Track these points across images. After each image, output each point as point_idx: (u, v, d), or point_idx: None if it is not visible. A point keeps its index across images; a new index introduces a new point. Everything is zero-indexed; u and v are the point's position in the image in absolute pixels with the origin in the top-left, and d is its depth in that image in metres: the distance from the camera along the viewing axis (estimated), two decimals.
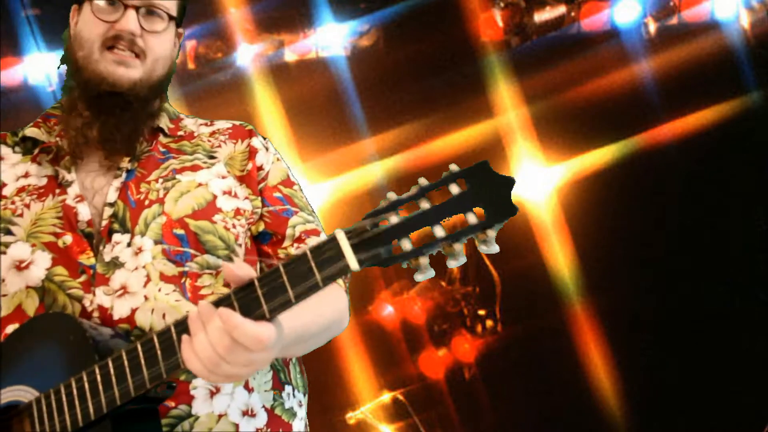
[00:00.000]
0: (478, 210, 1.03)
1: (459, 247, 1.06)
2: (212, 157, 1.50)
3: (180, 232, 1.39)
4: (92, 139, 1.45)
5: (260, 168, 1.51)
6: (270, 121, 3.94)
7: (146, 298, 1.34)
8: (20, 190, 1.43)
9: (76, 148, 1.45)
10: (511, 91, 4.20)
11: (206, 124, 1.58)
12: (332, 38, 4.05)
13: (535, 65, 4.17)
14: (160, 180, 1.44)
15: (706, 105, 4.17)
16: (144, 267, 1.36)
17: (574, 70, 4.18)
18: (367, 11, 4.09)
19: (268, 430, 1.38)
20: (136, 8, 1.44)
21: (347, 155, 4.13)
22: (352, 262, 1.03)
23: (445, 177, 1.06)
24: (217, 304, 1.10)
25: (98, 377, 1.17)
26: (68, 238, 1.38)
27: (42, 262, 1.36)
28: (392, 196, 1.05)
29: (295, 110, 3.97)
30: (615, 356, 4.18)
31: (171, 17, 1.48)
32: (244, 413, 1.35)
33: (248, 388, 1.37)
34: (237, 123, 1.59)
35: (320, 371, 3.96)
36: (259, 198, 1.49)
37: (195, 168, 1.47)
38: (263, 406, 1.38)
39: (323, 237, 1.38)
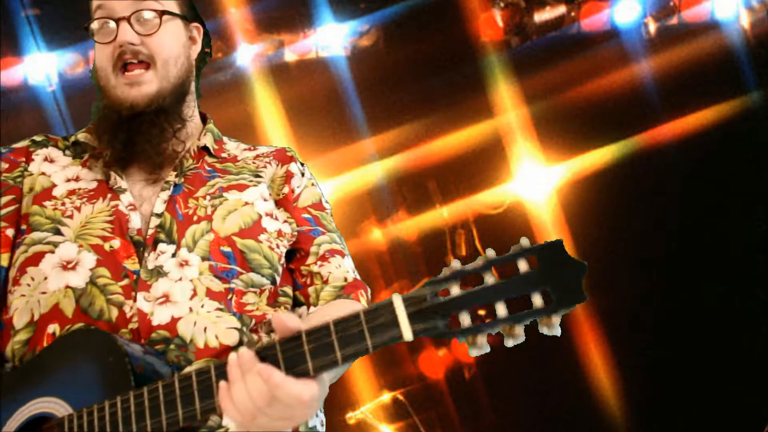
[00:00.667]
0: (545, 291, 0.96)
1: (520, 329, 1.01)
2: (258, 176, 1.54)
3: (227, 249, 1.41)
4: (133, 158, 1.49)
5: (293, 191, 1.56)
6: (270, 121, 3.94)
7: (190, 309, 1.36)
8: (71, 192, 1.46)
9: (124, 163, 1.49)
10: (511, 91, 4.20)
11: (249, 149, 1.62)
12: (332, 38, 4.05)
13: (535, 65, 4.17)
14: (208, 197, 1.47)
15: (706, 105, 4.17)
16: (190, 281, 1.37)
17: (574, 70, 4.18)
18: (367, 11, 4.09)
19: None
20: (126, 18, 1.46)
21: (347, 155, 4.13)
22: (407, 332, 1.02)
23: (515, 252, 0.99)
24: (261, 353, 1.08)
25: (132, 407, 1.17)
26: (116, 243, 1.40)
27: (87, 263, 1.38)
28: (456, 265, 1.00)
29: (295, 110, 3.97)
30: (615, 356, 4.18)
31: (162, 13, 1.49)
32: None
33: None
34: (280, 147, 1.65)
35: None
36: (295, 221, 1.52)
37: (241, 187, 1.50)
38: None
39: (348, 260, 1.46)
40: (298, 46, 4.05)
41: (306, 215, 1.54)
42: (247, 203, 1.47)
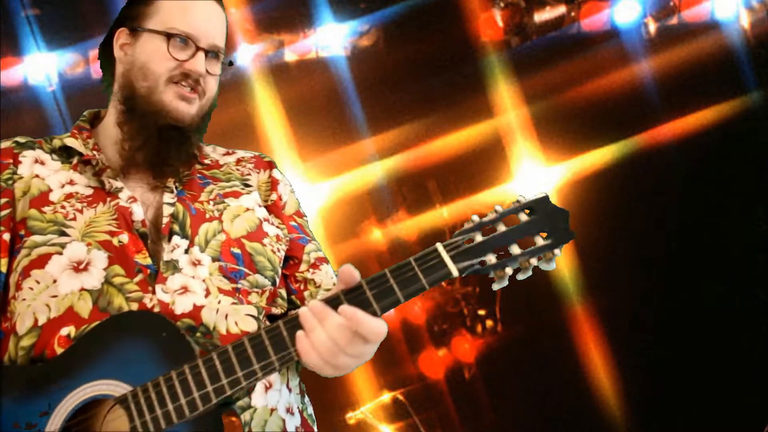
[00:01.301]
0: (543, 234, 1.26)
1: (534, 260, 1.26)
2: (247, 185, 1.58)
3: (237, 251, 1.46)
4: (141, 162, 1.50)
5: (281, 198, 1.61)
6: (270, 121, 3.94)
7: (212, 300, 1.41)
8: (68, 196, 1.46)
9: (125, 167, 1.51)
10: (511, 91, 4.21)
11: (228, 153, 1.66)
12: (332, 38, 4.05)
13: (535, 65, 4.17)
14: (211, 202, 1.51)
15: (706, 105, 4.18)
16: (203, 280, 1.41)
17: (574, 70, 4.19)
18: (367, 11, 4.09)
19: (303, 430, 1.47)
20: (206, 51, 1.52)
21: (347, 155, 4.13)
22: (453, 270, 1.23)
23: (517, 207, 1.26)
24: (329, 303, 1.23)
25: (203, 370, 1.25)
26: (124, 237, 1.42)
27: (99, 262, 1.39)
28: (476, 218, 1.24)
29: (295, 110, 3.97)
30: (615, 356, 4.18)
31: (226, 64, 1.59)
32: (287, 410, 1.44)
33: (288, 388, 1.46)
34: (257, 153, 1.68)
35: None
36: (285, 228, 1.59)
37: (236, 194, 1.55)
38: (297, 407, 1.48)
39: (330, 266, 1.60)
40: (298, 46, 4.05)
41: (293, 223, 1.60)
42: (248, 209, 1.52)
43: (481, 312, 4.41)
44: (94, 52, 3.73)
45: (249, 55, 3.94)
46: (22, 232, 1.43)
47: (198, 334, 1.37)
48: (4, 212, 1.45)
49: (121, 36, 1.55)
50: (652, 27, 4.30)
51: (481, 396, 4.36)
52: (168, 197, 1.49)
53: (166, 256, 1.41)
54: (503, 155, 4.32)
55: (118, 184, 1.49)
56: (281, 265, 1.53)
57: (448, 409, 4.33)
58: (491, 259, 1.24)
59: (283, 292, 1.53)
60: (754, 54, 4.25)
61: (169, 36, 1.50)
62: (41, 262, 1.38)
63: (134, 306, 1.36)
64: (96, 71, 3.57)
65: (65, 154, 1.53)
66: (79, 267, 1.38)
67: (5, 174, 1.49)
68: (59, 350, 1.33)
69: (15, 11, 3.61)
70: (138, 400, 1.26)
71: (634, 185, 4.13)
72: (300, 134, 3.97)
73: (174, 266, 1.41)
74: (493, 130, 4.26)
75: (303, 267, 1.56)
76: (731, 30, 4.26)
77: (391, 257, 4.37)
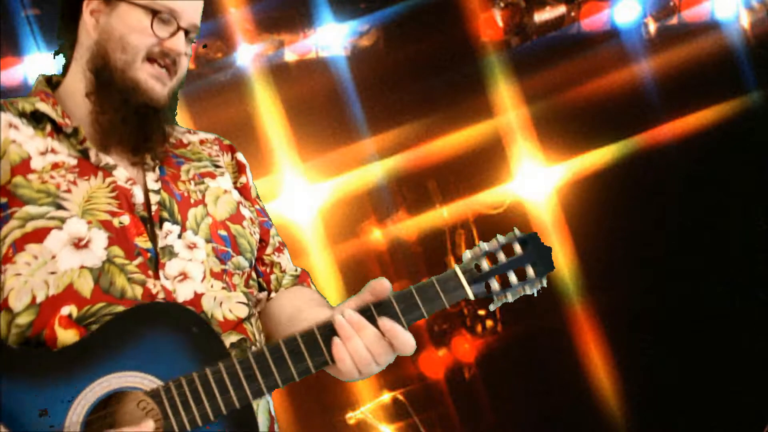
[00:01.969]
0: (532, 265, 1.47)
1: (529, 288, 1.45)
2: (218, 166, 1.56)
3: (223, 233, 1.46)
4: (123, 137, 1.45)
5: (249, 181, 1.62)
6: (270, 121, 3.94)
7: (211, 286, 1.41)
8: (54, 165, 1.39)
9: (103, 140, 1.45)
10: (511, 91, 4.21)
11: (188, 132, 1.62)
12: (332, 38, 4.05)
13: (535, 65, 4.17)
14: (191, 182, 1.49)
15: (706, 105, 4.18)
16: (201, 262, 1.41)
17: (574, 70, 4.19)
18: (367, 11, 4.09)
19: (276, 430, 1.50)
20: (186, 31, 1.50)
21: (347, 155, 4.13)
22: (470, 293, 1.39)
23: (513, 239, 1.48)
24: (363, 314, 1.33)
25: (239, 370, 1.29)
26: (125, 219, 1.38)
27: (99, 241, 1.35)
28: (483, 246, 1.45)
29: (295, 110, 3.97)
30: (615, 356, 4.18)
31: (197, 40, 1.58)
32: (269, 411, 1.48)
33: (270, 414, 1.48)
34: (216, 136, 1.65)
35: (320, 371, 3.97)
36: (254, 211, 1.59)
37: (212, 175, 1.53)
38: (272, 409, 1.50)
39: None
40: (298, 46, 4.05)
41: (257, 206, 1.62)
42: (226, 191, 1.52)
43: (481, 312, 4.41)
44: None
45: (249, 55, 3.94)
46: (4, 200, 1.34)
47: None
48: None
49: (93, 1, 1.48)
50: (652, 27, 4.30)
51: (481, 396, 4.36)
52: (152, 180, 1.45)
53: (161, 242, 1.39)
54: (503, 155, 4.32)
55: (110, 160, 1.43)
56: (256, 247, 1.54)
57: (448, 409, 4.33)
58: (495, 285, 1.42)
59: (254, 274, 1.55)
60: (754, 54, 4.25)
61: (154, 12, 1.46)
62: (38, 235, 1.32)
63: (138, 288, 1.34)
64: None
65: (34, 119, 1.44)
66: (80, 244, 1.33)
67: None
68: (60, 331, 1.30)
69: (15, 11, 3.61)
70: (171, 395, 1.25)
71: (634, 185, 4.13)
72: (300, 134, 3.97)
73: (170, 251, 1.39)
74: (493, 130, 4.26)
75: (269, 250, 1.59)
76: (731, 30, 4.26)
77: (391, 257, 4.37)
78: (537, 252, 1.48)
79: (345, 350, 1.32)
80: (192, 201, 1.46)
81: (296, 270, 1.63)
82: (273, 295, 1.56)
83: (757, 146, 4.08)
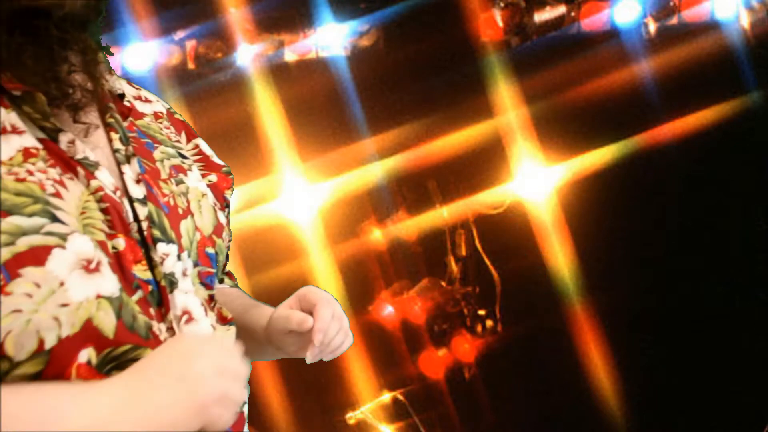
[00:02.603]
0: None
1: None
2: (184, 157, 1.21)
3: (211, 251, 1.14)
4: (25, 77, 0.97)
5: (217, 182, 1.28)
6: (270, 121, 3.94)
7: (213, 328, 1.12)
8: (27, 154, 0.96)
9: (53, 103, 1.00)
10: (511, 91, 4.20)
11: (138, 97, 1.23)
12: (332, 38, 4.05)
13: (535, 65, 4.17)
14: (172, 181, 1.13)
15: (706, 105, 4.17)
16: (195, 294, 1.09)
17: (574, 70, 4.18)
18: (367, 11, 4.09)
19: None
20: None
21: (347, 155, 4.13)
22: None
23: None
24: None
25: None
26: (120, 242, 1.00)
27: (106, 265, 0.98)
28: None
29: (295, 110, 3.96)
30: (615, 356, 4.18)
31: None
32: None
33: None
34: (167, 105, 1.28)
35: (320, 371, 3.96)
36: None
37: (182, 170, 1.18)
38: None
39: None
40: (298, 46, 4.05)
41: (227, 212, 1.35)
42: (204, 194, 1.18)
43: (481, 312, 4.41)
44: None
45: (249, 55, 3.93)
46: None
47: None
48: None
49: None
50: (652, 27, 4.30)
51: (481, 396, 4.36)
52: (132, 182, 1.06)
53: (161, 270, 1.05)
54: (503, 155, 4.32)
55: (89, 153, 1.02)
56: None
57: (448, 409, 4.33)
58: None
59: None
60: (754, 54, 4.25)
61: None
62: (37, 256, 0.91)
63: (149, 330, 1.02)
64: None
65: None
66: (89, 267, 0.95)
67: None
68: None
69: None
70: None
71: (634, 185, 4.13)
72: (300, 134, 3.97)
73: (171, 281, 1.05)
74: (493, 130, 4.26)
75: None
76: (731, 30, 4.26)
77: (391, 257, 4.37)
78: None
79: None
80: (180, 211, 1.11)
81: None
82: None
83: (757, 146, 4.08)
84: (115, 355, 0.97)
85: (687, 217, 4.14)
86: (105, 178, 1.02)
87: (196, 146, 1.25)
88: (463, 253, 4.40)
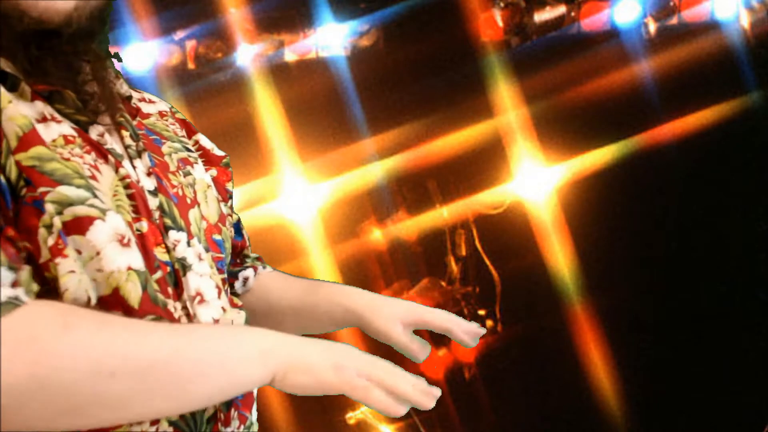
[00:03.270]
0: None
1: None
2: (189, 150, 1.30)
3: (218, 238, 1.23)
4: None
5: (218, 175, 1.37)
6: (270, 121, 3.94)
7: (224, 310, 1.19)
8: (67, 140, 1.05)
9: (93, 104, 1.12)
10: (511, 91, 4.20)
11: (143, 99, 1.33)
12: (332, 38, 4.05)
13: (535, 65, 4.17)
14: (180, 173, 1.22)
15: (706, 105, 4.17)
16: (210, 277, 1.17)
17: (574, 70, 4.18)
18: (367, 11, 4.09)
19: None
20: None
21: (347, 155, 4.13)
22: None
23: None
24: None
25: None
26: (143, 225, 1.09)
27: (135, 245, 1.07)
28: None
29: (295, 110, 3.96)
30: (615, 356, 4.18)
31: None
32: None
33: None
34: (169, 105, 1.38)
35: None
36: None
37: (189, 162, 1.27)
38: None
39: None
40: (298, 46, 4.05)
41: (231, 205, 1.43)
42: (209, 185, 1.27)
43: (481, 312, 4.41)
44: None
45: (249, 55, 3.93)
46: (22, 179, 0.99)
47: None
48: None
49: None
50: (652, 27, 4.30)
51: (481, 396, 4.36)
52: (143, 175, 1.14)
53: (175, 254, 1.14)
54: (503, 155, 4.32)
55: (116, 145, 1.13)
56: None
57: (448, 409, 4.32)
58: None
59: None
60: (754, 54, 4.25)
61: None
62: (80, 225, 1.01)
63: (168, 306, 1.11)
64: None
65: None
66: (123, 241, 1.05)
67: None
68: None
69: None
70: None
71: (634, 185, 4.13)
72: (300, 134, 3.97)
73: (183, 265, 1.14)
74: (493, 130, 4.26)
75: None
76: (731, 30, 4.26)
77: (391, 257, 4.37)
78: None
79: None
80: (188, 201, 1.20)
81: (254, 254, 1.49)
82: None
83: (757, 146, 4.08)
84: None
85: (687, 217, 4.14)
86: (130, 169, 1.13)
87: (197, 142, 1.35)
88: (463, 253, 4.40)
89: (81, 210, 1.01)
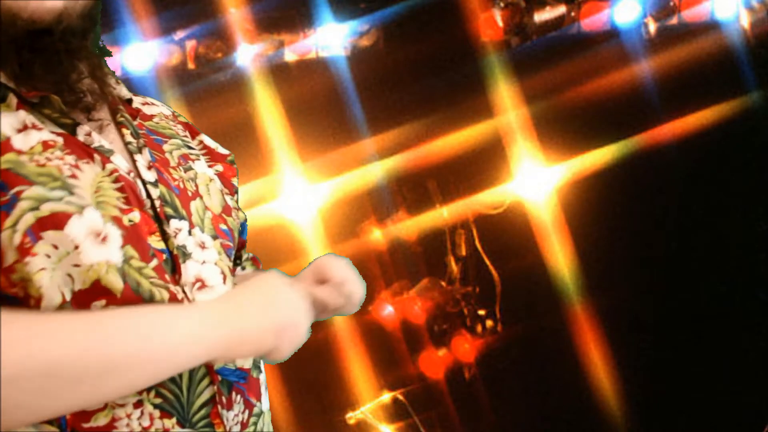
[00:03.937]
0: None
1: None
2: (191, 148, 1.34)
3: (224, 227, 1.26)
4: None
5: (224, 171, 1.42)
6: (270, 121, 3.94)
7: None
8: (45, 145, 1.09)
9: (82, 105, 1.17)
10: (511, 91, 4.20)
11: (147, 104, 1.38)
12: (332, 38, 4.05)
13: (535, 65, 4.17)
14: (181, 168, 1.26)
15: (706, 105, 4.17)
16: (215, 264, 1.20)
17: (574, 70, 4.18)
18: (367, 11, 4.09)
19: None
20: None
21: (347, 155, 4.13)
22: None
23: None
24: None
25: None
26: (136, 215, 1.12)
27: (115, 239, 1.09)
28: None
29: (295, 110, 3.97)
30: (615, 356, 4.18)
31: None
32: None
33: None
34: (172, 109, 1.42)
35: (320, 371, 3.96)
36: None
37: (191, 159, 1.32)
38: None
39: None
40: (298, 46, 4.05)
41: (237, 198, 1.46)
42: (211, 179, 1.30)
43: (481, 312, 4.41)
44: None
45: (249, 55, 3.93)
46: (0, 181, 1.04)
47: None
48: None
49: None
50: (652, 27, 4.30)
51: (481, 396, 4.36)
52: (144, 168, 1.19)
53: (174, 242, 1.17)
54: (503, 155, 4.32)
55: (105, 143, 1.16)
56: None
57: (448, 409, 4.33)
58: None
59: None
60: (754, 54, 4.25)
61: None
62: (57, 221, 1.04)
63: (164, 292, 1.12)
64: None
65: None
66: (99, 237, 1.07)
67: None
68: None
69: None
70: None
71: (634, 185, 4.13)
72: (300, 134, 3.97)
73: (184, 252, 1.17)
74: (493, 130, 4.26)
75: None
76: (731, 30, 4.26)
77: (391, 257, 4.37)
78: None
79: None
80: (189, 193, 1.24)
81: (249, 254, 1.51)
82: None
83: (757, 146, 4.08)
84: None
85: (687, 217, 4.14)
86: (120, 162, 1.16)
87: (201, 142, 1.39)
88: (463, 253, 4.41)
89: (58, 206, 1.05)
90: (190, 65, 3.91)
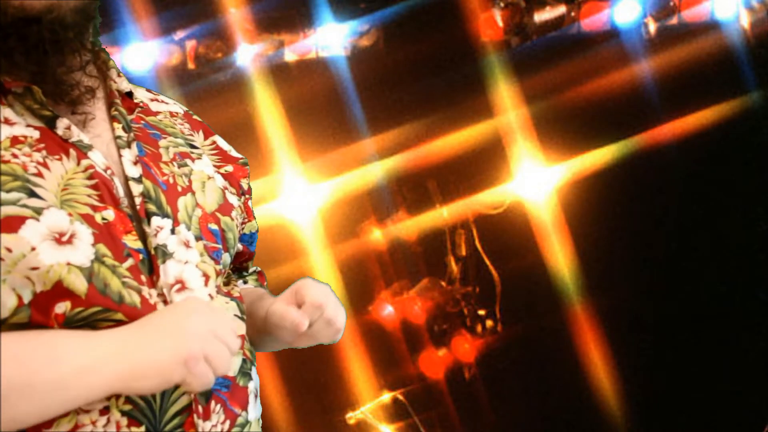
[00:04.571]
0: None
1: None
2: (194, 147, 1.31)
3: (214, 227, 1.23)
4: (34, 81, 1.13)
5: (234, 171, 1.39)
6: (270, 121, 3.94)
7: (211, 297, 1.19)
8: (14, 140, 1.08)
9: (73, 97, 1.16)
10: (511, 91, 4.20)
11: (155, 99, 1.36)
12: (332, 38, 4.05)
13: (535, 65, 4.17)
14: (174, 164, 1.24)
15: (706, 105, 4.17)
16: (196, 266, 1.17)
17: (574, 70, 4.18)
18: (367, 11, 4.09)
19: None
20: None
21: (347, 155, 4.13)
22: None
23: None
24: None
25: None
26: (109, 214, 1.11)
27: (85, 236, 1.08)
28: None
29: (295, 110, 3.97)
30: (615, 356, 4.18)
31: None
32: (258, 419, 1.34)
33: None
34: (185, 108, 1.40)
35: (320, 371, 3.96)
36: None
37: (190, 157, 1.28)
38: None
39: None
40: (298, 46, 4.05)
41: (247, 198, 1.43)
42: (210, 177, 1.27)
43: (481, 312, 4.41)
44: None
45: (249, 55, 3.93)
46: None
47: None
48: None
49: None
50: (652, 27, 4.30)
51: (481, 396, 4.36)
52: (129, 163, 1.17)
53: (152, 241, 1.14)
54: (503, 155, 4.32)
55: (84, 137, 1.14)
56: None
57: (448, 409, 4.33)
58: None
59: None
60: (754, 54, 4.25)
61: None
62: (11, 224, 1.03)
63: (135, 295, 1.10)
64: None
65: None
66: (62, 239, 1.06)
67: None
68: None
69: None
70: None
71: (634, 185, 4.13)
72: (300, 134, 3.97)
73: (164, 252, 1.14)
74: (493, 130, 4.26)
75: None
76: (731, 30, 4.26)
77: (391, 257, 4.37)
78: None
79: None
80: (179, 189, 1.21)
81: (256, 268, 1.48)
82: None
83: (757, 146, 4.08)
84: (85, 315, 1.07)
85: (687, 217, 4.14)
86: (97, 158, 1.14)
87: (214, 143, 1.37)
88: (463, 253, 4.40)
89: (12, 210, 1.04)
90: (190, 65, 3.91)
